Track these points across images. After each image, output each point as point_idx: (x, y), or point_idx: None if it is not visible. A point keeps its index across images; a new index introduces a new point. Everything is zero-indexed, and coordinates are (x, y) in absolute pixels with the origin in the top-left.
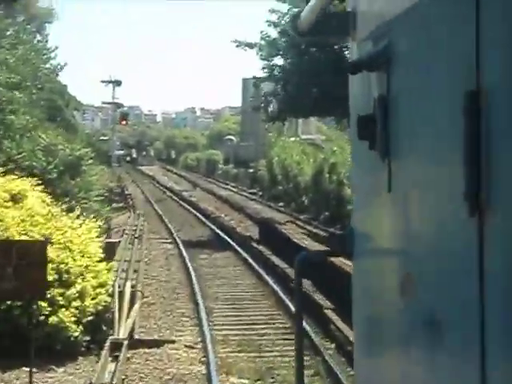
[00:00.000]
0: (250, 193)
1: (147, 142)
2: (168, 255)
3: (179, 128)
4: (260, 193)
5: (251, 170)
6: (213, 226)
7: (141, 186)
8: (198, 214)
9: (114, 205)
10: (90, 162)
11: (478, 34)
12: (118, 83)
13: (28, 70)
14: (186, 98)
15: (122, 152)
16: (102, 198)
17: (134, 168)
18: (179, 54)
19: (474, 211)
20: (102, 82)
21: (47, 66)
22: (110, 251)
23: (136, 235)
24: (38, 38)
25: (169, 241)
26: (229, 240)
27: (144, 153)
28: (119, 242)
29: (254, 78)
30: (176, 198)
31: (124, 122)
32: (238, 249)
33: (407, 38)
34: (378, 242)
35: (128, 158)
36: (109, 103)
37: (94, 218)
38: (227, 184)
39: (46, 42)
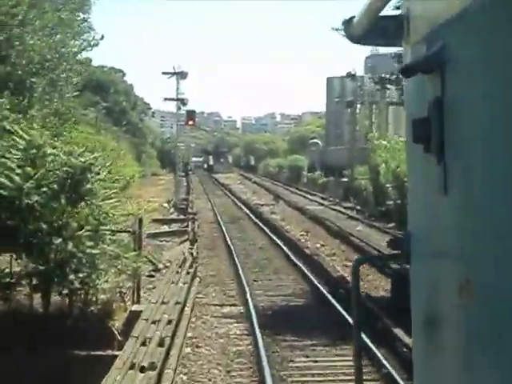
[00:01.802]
0: (347, 207)
1: (225, 149)
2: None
3: (259, 133)
4: (358, 207)
5: (345, 179)
6: (310, 275)
7: (212, 199)
8: (284, 248)
9: (173, 226)
10: (104, 173)
11: None
12: (182, 76)
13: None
14: (266, 103)
15: (199, 159)
16: (127, 233)
17: (210, 176)
18: (258, 57)
19: None
20: (164, 73)
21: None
22: None
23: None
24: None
25: (238, 310)
26: (344, 314)
27: (222, 159)
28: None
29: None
30: (253, 217)
31: (191, 122)
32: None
33: (461, 40)
34: (435, 245)
35: (205, 166)
36: (171, 99)
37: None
38: (315, 195)
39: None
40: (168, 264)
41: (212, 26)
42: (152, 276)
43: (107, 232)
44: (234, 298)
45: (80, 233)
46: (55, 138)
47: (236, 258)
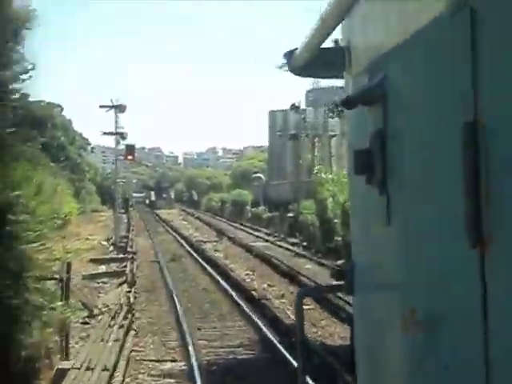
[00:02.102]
0: (293, 243)
1: (167, 184)
2: None
3: (201, 168)
4: (304, 243)
5: (290, 214)
6: (259, 322)
7: (153, 237)
8: (229, 290)
9: (111, 266)
10: (25, 217)
11: (474, 66)
12: (121, 109)
13: None
14: (208, 138)
15: (140, 194)
16: (54, 280)
17: (152, 212)
18: (199, 92)
19: (475, 243)
20: (102, 106)
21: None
22: None
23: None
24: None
25: (180, 367)
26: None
27: (164, 195)
28: None
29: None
30: (196, 255)
31: (130, 157)
32: None
33: (402, 71)
34: (379, 275)
35: (147, 201)
36: (110, 133)
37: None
38: (259, 230)
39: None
40: (104, 309)
41: (151, 59)
42: (86, 323)
43: (30, 279)
44: (175, 351)
45: None
46: None
47: (177, 303)
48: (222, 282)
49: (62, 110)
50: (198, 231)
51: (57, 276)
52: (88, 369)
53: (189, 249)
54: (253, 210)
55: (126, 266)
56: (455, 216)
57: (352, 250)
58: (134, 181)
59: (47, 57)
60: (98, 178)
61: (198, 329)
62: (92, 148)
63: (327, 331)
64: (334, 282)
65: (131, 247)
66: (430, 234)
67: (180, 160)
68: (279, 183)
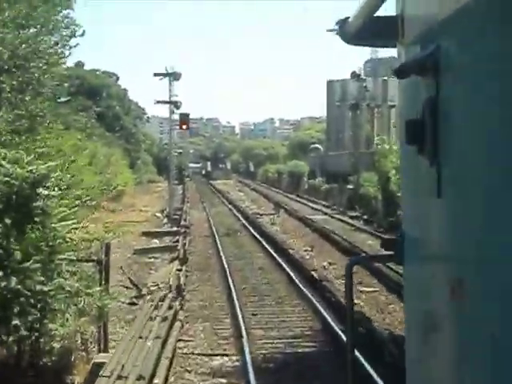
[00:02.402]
0: (352, 217)
1: (224, 155)
2: None
3: (258, 139)
4: (365, 217)
5: (350, 187)
6: (320, 308)
7: (208, 209)
8: (287, 269)
9: (165, 240)
10: (58, 192)
11: None
12: (176, 77)
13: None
14: (265, 109)
15: (197, 165)
16: (92, 263)
17: (208, 182)
18: (256, 62)
19: None
20: (156, 74)
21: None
22: None
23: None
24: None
25: (232, 362)
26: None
27: (221, 165)
28: None
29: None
30: (252, 229)
31: (185, 127)
32: None
33: (456, 41)
34: (428, 247)
35: (203, 172)
36: (164, 102)
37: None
38: (317, 202)
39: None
40: (154, 287)
41: (208, 29)
42: (134, 304)
43: (64, 262)
44: (227, 342)
45: (27, 264)
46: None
47: (231, 284)
48: (280, 260)
49: (117, 79)
50: (255, 203)
51: (94, 258)
52: (120, 377)
53: (244, 222)
54: (310, 181)
55: (178, 241)
56: (508, 188)
57: (402, 220)
58: (191, 151)
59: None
60: (155, 149)
61: (253, 314)
62: (148, 118)
63: (396, 318)
64: (385, 252)
65: (185, 220)
66: (480, 208)
67: (237, 130)
68: (337, 154)
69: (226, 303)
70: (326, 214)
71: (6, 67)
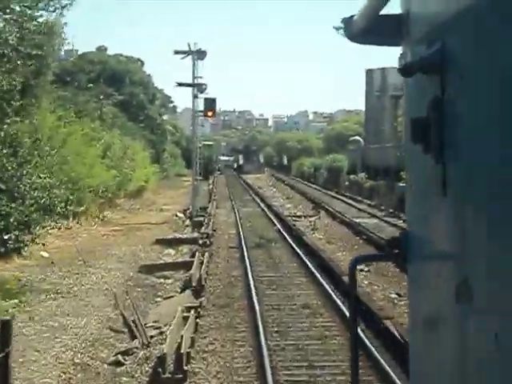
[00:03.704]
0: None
1: (256, 147)
2: None
3: (291, 132)
4: None
5: (401, 184)
6: (392, 374)
7: (237, 209)
8: (341, 306)
9: (181, 250)
10: None
11: None
12: (200, 56)
13: None
14: (298, 101)
15: (229, 158)
16: None
17: (239, 176)
18: (289, 54)
19: None
20: (177, 52)
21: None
22: None
23: None
24: None
25: None
26: None
27: (254, 158)
28: None
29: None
30: (288, 238)
31: (210, 113)
32: None
33: (461, 39)
34: (434, 246)
35: (235, 165)
36: (186, 85)
37: None
38: (361, 201)
39: None
40: (155, 332)
41: (240, 17)
42: (120, 364)
43: None
44: None
45: None
46: None
47: (263, 342)
48: (331, 292)
49: (142, 64)
50: (290, 201)
51: None
52: None
53: (279, 227)
54: (351, 177)
55: (194, 255)
56: None
57: (407, 219)
58: (223, 144)
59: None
60: (184, 142)
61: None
62: (174, 107)
63: None
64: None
65: (207, 224)
66: (485, 207)
67: (270, 123)
68: (380, 147)
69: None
70: (375, 216)
71: None
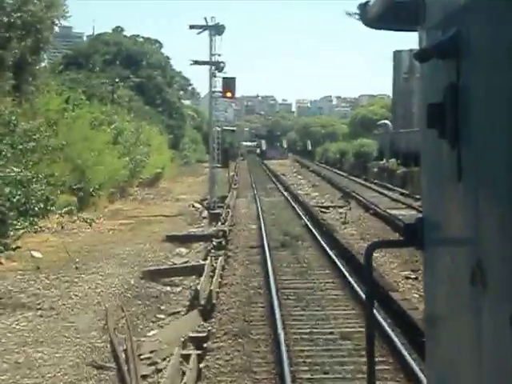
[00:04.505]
0: None
1: (279, 132)
2: None
3: (315, 116)
4: None
5: None
6: None
7: (260, 199)
8: (387, 329)
9: (195, 248)
10: None
11: None
12: (217, 30)
13: None
14: (322, 86)
15: (252, 143)
16: None
17: (262, 162)
18: (312, 39)
19: None
20: (192, 27)
21: None
22: None
23: None
24: None
25: None
26: None
27: (277, 144)
28: None
29: None
30: (317, 234)
31: (229, 94)
32: None
33: (477, 25)
34: (449, 232)
35: (258, 151)
36: (202, 63)
37: None
38: (393, 190)
39: None
40: (149, 371)
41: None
42: None
43: None
44: None
45: None
46: None
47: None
48: (377, 314)
49: (161, 46)
50: (317, 190)
51: None
52: None
53: (306, 221)
54: (380, 163)
55: (205, 259)
56: None
57: (422, 204)
58: (246, 129)
59: None
60: (205, 127)
61: None
62: (193, 89)
63: None
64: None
65: (225, 219)
66: (500, 192)
67: (293, 108)
68: (411, 131)
69: None
70: (411, 207)
71: None
